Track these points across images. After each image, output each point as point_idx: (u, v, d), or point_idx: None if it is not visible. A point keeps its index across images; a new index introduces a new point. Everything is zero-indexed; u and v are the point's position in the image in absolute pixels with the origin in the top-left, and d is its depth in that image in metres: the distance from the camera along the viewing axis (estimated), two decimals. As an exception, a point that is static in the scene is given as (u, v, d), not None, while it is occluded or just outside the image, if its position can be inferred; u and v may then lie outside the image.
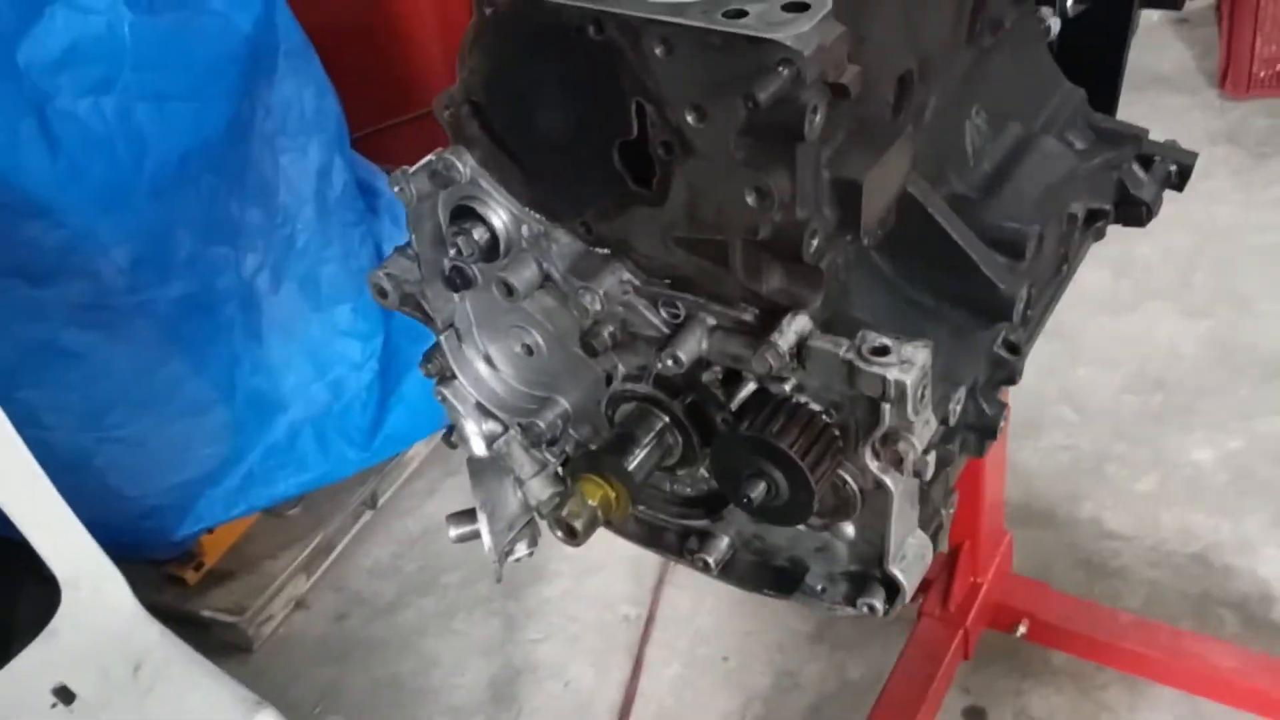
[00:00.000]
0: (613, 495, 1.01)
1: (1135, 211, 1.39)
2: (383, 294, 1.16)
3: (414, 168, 1.04)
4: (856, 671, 2.38)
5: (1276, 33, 3.59)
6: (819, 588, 1.05)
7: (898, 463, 0.89)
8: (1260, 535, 2.43)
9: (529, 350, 1.14)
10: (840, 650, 2.42)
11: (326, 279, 2.80)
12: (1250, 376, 2.80)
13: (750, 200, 0.89)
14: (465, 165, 1.03)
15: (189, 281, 2.39)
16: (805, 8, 0.82)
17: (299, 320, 2.76)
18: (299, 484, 2.72)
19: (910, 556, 0.98)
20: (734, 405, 0.95)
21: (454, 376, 1.18)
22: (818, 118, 0.84)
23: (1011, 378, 1.11)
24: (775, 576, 1.08)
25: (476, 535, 1.20)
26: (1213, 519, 2.49)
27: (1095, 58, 1.48)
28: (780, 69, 0.80)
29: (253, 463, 2.64)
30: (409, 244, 1.15)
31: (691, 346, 0.95)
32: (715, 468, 0.98)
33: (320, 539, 2.86)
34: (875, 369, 0.86)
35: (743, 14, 0.83)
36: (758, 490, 0.91)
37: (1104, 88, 1.48)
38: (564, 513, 0.99)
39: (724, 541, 1.10)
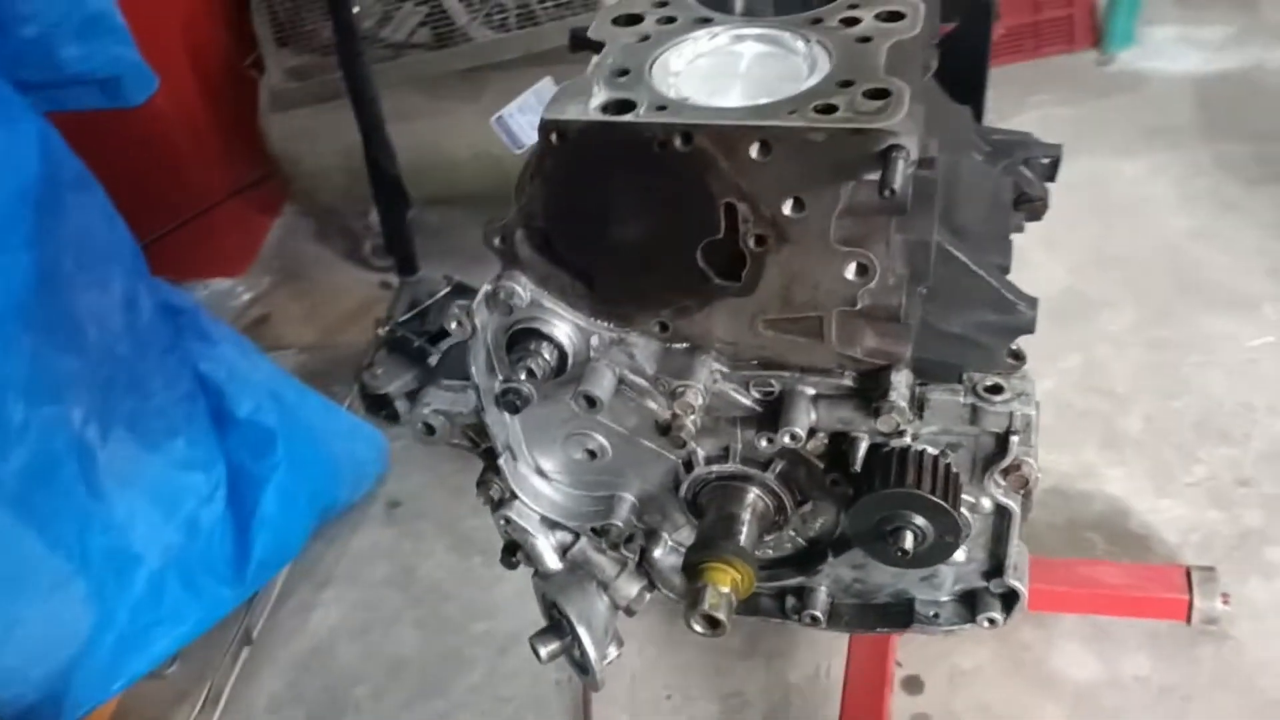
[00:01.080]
0: (739, 576, 1.03)
1: (1034, 208, 1.55)
2: (431, 432, 1.12)
3: (475, 301, 1.02)
4: (795, 675, 2.47)
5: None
6: (931, 614, 1.11)
7: (1023, 486, 0.98)
8: (1097, 459, 2.72)
9: (592, 454, 1.14)
10: (776, 659, 2.50)
11: (153, 414, 2.59)
12: (1041, 319, 3.12)
13: (850, 275, 0.94)
14: (526, 289, 1.02)
15: (26, 450, 2.15)
16: (887, 93, 0.88)
17: (135, 464, 2.54)
18: (177, 638, 2.50)
19: (1020, 566, 1.07)
20: (857, 467, 1.00)
21: (514, 497, 1.16)
22: (911, 191, 0.90)
23: (1016, 379, 1.23)
24: (882, 614, 1.14)
25: (567, 650, 1.19)
26: (1054, 454, 2.76)
27: (962, 74, 1.63)
28: (894, 154, 0.85)
29: (122, 627, 2.41)
30: (432, 375, 1.12)
31: (803, 420, 0.99)
32: (855, 530, 1.03)
33: (206, 690, 2.64)
34: (999, 408, 0.94)
35: (832, 108, 0.88)
36: (909, 541, 0.96)
37: (973, 99, 1.64)
38: (705, 608, 1.00)
39: (823, 593, 1.14)
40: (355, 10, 2.82)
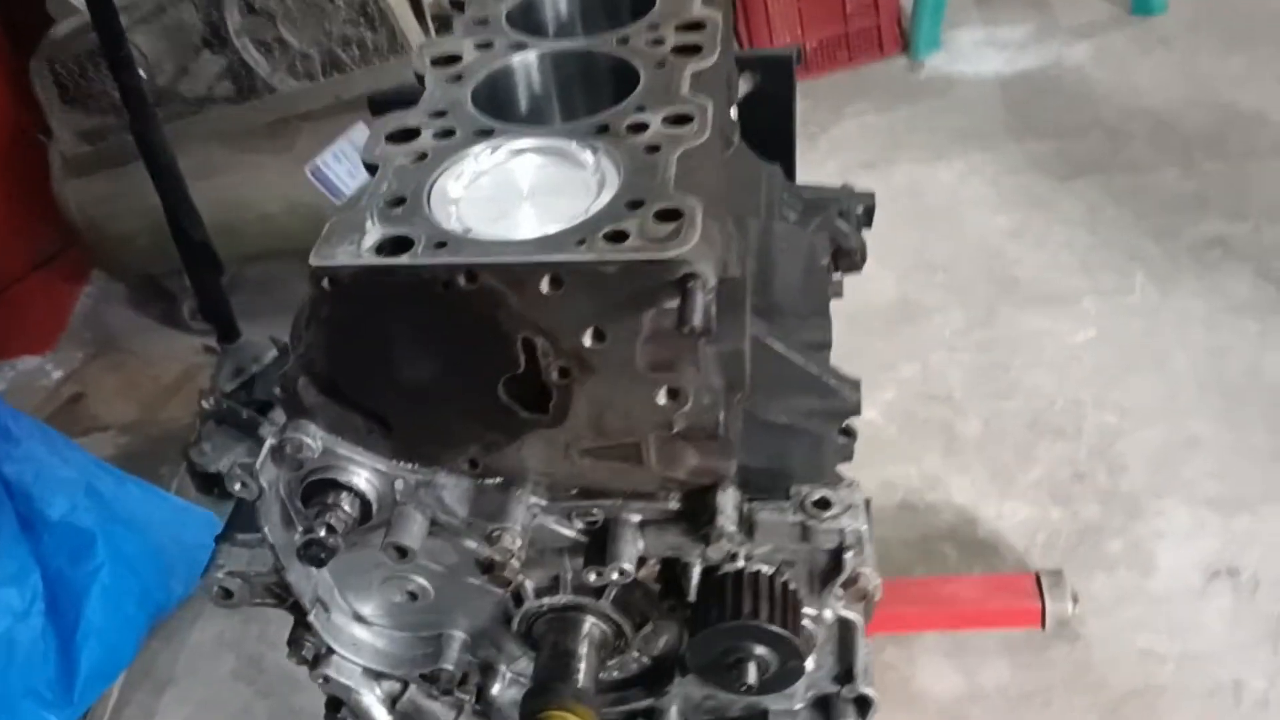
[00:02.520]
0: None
1: (852, 260, 1.54)
2: (229, 596, 1.02)
3: (258, 459, 0.92)
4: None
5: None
6: (785, 724, 1.08)
7: (863, 597, 0.94)
8: (941, 467, 2.77)
9: (413, 596, 1.06)
10: None
11: (-50, 530, 2.38)
12: (876, 330, 3.16)
13: (662, 400, 0.88)
14: (316, 439, 0.93)
15: None
16: (679, 214, 0.83)
17: (-64, 588, 2.32)
18: (-1, 775, 2.30)
19: (869, 669, 1.04)
20: (691, 595, 0.94)
21: (330, 652, 1.06)
22: (713, 310, 0.85)
23: (850, 455, 1.20)
24: (736, 727, 1.09)
25: (407, 805, 1.10)
26: (900, 466, 2.80)
27: (769, 130, 1.60)
28: (690, 284, 0.80)
29: (-62, 773, 2.20)
30: (227, 533, 1.02)
31: (630, 551, 0.94)
32: (695, 664, 0.97)
33: (41, 822, 2.43)
34: (829, 524, 0.90)
35: (623, 235, 0.82)
36: (752, 674, 0.91)
37: (782, 155, 1.62)
38: (547, 761, 0.94)
39: (674, 713, 1.09)
40: (142, 74, 2.64)
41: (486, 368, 0.88)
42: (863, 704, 1.04)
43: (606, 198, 0.86)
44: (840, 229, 1.53)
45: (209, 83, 3.11)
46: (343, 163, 3.32)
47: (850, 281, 1.62)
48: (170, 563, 2.68)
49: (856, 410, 1.11)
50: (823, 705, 1.07)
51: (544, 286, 0.82)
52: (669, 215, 0.83)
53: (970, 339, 3.04)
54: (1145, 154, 3.43)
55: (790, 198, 1.52)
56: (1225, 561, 2.41)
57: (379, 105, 1.92)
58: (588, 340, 0.85)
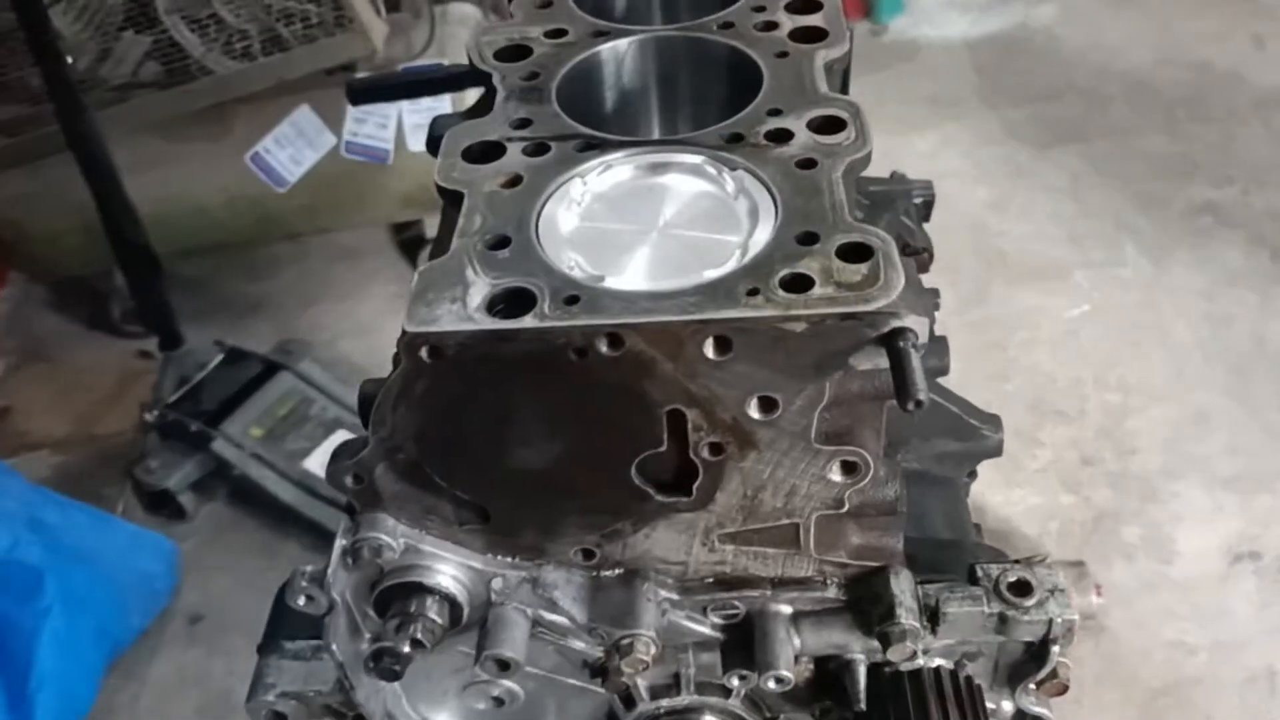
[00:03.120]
0: None
1: (921, 260, 1.38)
2: (282, 719, 0.83)
3: (329, 566, 0.74)
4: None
5: None
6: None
7: (1061, 692, 0.80)
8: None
9: (499, 702, 0.88)
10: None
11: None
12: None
13: (835, 476, 0.72)
14: (397, 537, 0.74)
15: None
16: (870, 251, 0.67)
17: None
18: None
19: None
20: (860, 701, 0.79)
21: (402, 770, 0.89)
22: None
23: (967, 495, 1.06)
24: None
25: None
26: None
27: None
28: (902, 343, 0.64)
29: None
30: (272, 642, 0.83)
31: (785, 652, 0.77)
32: (868, 780, 0.82)
33: None
34: (1034, 615, 0.75)
35: (806, 282, 0.65)
36: (938, 787, 0.77)
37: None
38: None
39: (804, 811, 0.94)
40: (69, 60, 2.37)
41: (620, 447, 0.71)
42: (1037, 799, 0.90)
43: (765, 230, 0.68)
44: (907, 225, 1.38)
45: (134, 65, 2.83)
46: (286, 148, 3.09)
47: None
48: (125, 595, 2.46)
49: (998, 452, 0.96)
50: (984, 800, 0.93)
51: (708, 350, 0.65)
52: (858, 253, 0.66)
53: (963, 319, 2.93)
54: (1125, 117, 3.34)
55: (857, 194, 1.35)
56: (1247, 544, 2.34)
57: (359, 93, 1.72)
58: (753, 411, 0.68)
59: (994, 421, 0.96)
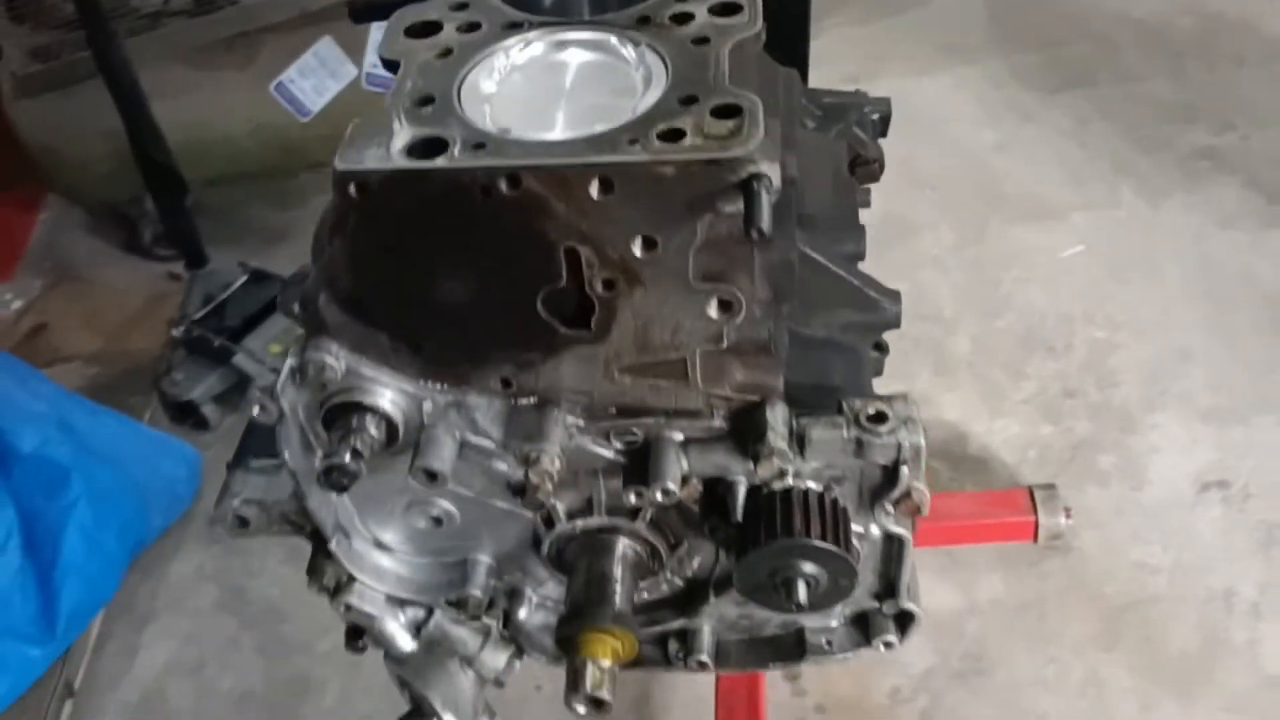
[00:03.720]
0: (619, 644, 0.93)
1: (870, 171, 1.48)
2: (245, 525, 0.96)
3: (279, 381, 0.86)
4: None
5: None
6: (824, 642, 1.04)
7: (915, 512, 0.90)
8: (932, 385, 2.74)
9: (438, 521, 1.01)
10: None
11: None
12: (877, 246, 3.12)
13: (713, 312, 0.83)
14: (339, 359, 0.87)
15: None
16: (738, 110, 0.77)
17: (-94, 528, 2.24)
18: (-15, 711, 2.25)
19: (913, 586, 1.01)
20: (737, 516, 0.90)
21: (352, 580, 1.01)
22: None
23: (880, 371, 1.16)
24: (773, 647, 1.06)
25: (436, 737, 1.06)
26: (891, 386, 2.76)
27: (784, 32, 1.53)
28: (756, 185, 0.74)
29: (-81, 716, 2.14)
30: (241, 459, 0.96)
31: (674, 471, 0.89)
32: (742, 585, 0.93)
33: (29, 759, 2.39)
34: (886, 439, 0.86)
35: (679, 134, 0.76)
36: (803, 593, 0.88)
37: (797, 59, 1.55)
38: (587, 688, 0.90)
39: (707, 633, 1.06)
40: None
41: (525, 281, 0.82)
42: (905, 619, 1.01)
43: (655, 94, 0.79)
44: (859, 137, 1.47)
45: (163, -6, 2.96)
46: (309, 78, 3.20)
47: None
48: (148, 495, 2.62)
49: (896, 323, 1.06)
50: (860, 621, 1.04)
51: (593, 191, 0.76)
52: (728, 111, 0.77)
53: (960, 256, 3.00)
54: (1134, 64, 3.38)
55: (808, 104, 1.45)
56: (1218, 473, 2.42)
57: (360, 13, 1.83)
58: (637, 249, 0.79)
59: (893, 296, 1.06)
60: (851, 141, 1.45)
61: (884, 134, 1.56)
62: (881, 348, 1.11)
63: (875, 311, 1.01)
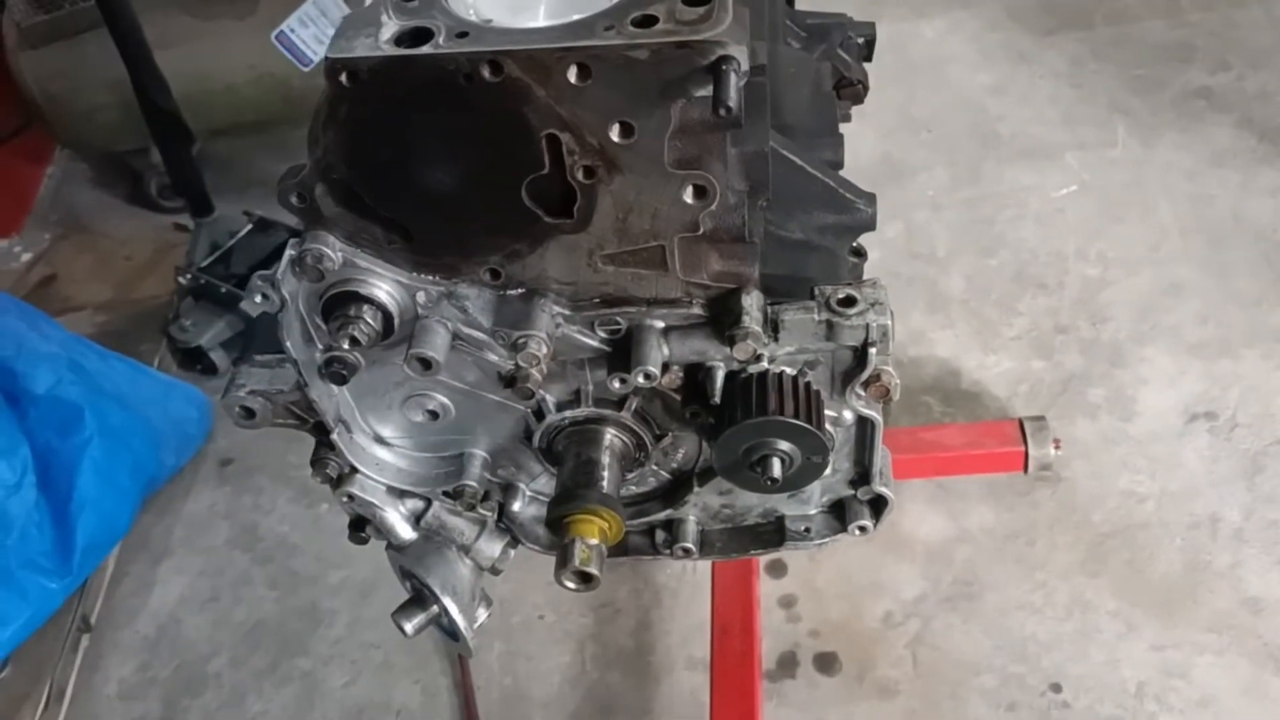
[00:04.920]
0: (606, 525, 0.98)
1: (855, 91, 1.51)
2: (251, 415, 1.02)
3: (279, 269, 0.91)
4: (663, 576, 2.49)
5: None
6: (802, 529, 1.10)
7: (884, 395, 0.95)
8: (924, 323, 2.79)
9: (434, 415, 1.06)
10: (641, 564, 2.51)
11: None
12: (872, 187, 3.15)
13: (689, 198, 0.87)
14: (336, 250, 0.91)
15: None
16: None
17: (-76, 463, 2.31)
18: (3, 642, 2.32)
19: (885, 471, 1.05)
20: (716, 398, 0.95)
21: (354, 471, 1.07)
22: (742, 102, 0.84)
23: (860, 277, 1.20)
24: (754, 535, 1.11)
25: (433, 621, 1.12)
26: (886, 324, 2.81)
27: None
28: (725, 67, 0.78)
29: (-59, 643, 2.21)
30: (247, 353, 1.01)
31: (655, 356, 0.94)
32: (721, 464, 0.98)
33: (48, 688, 2.47)
34: (854, 321, 0.90)
35: (652, 20, 0.80)
36: (777, 469, 0.93)
37: (783, -15, 1.58)
38: (576, 564, 0.95)
39: (692, 523, 1.11)
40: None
41: (510, 169, 0.86)
42: (878, 504, 1.06)
43: (629, -14, 0.83)
44: (843, 58, 1.50)
45: (165, -58, 2.98)
46: (309, 27, 3.22)
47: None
48: (159, 436, 2.68)
49: (871, 225, 1.10)
50: (838, 509, 1.09)
51: (571, 76, 0.80)
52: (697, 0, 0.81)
53: (954, 197, 3.04)
54: (1130, 5, 3.39)
55: (793, 24, 1.48)
56: (1205, 404, 2.47)
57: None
58: (615, 135, 0.84)
59: (868, 198, 1.10)
60: (835, 63, 1.48)
61: (869, 58, 1.59)
62: (859, 252, 1.15)
63: (850, 213, 1.06)
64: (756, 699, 2.01)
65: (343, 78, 0.81)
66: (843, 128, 1.41)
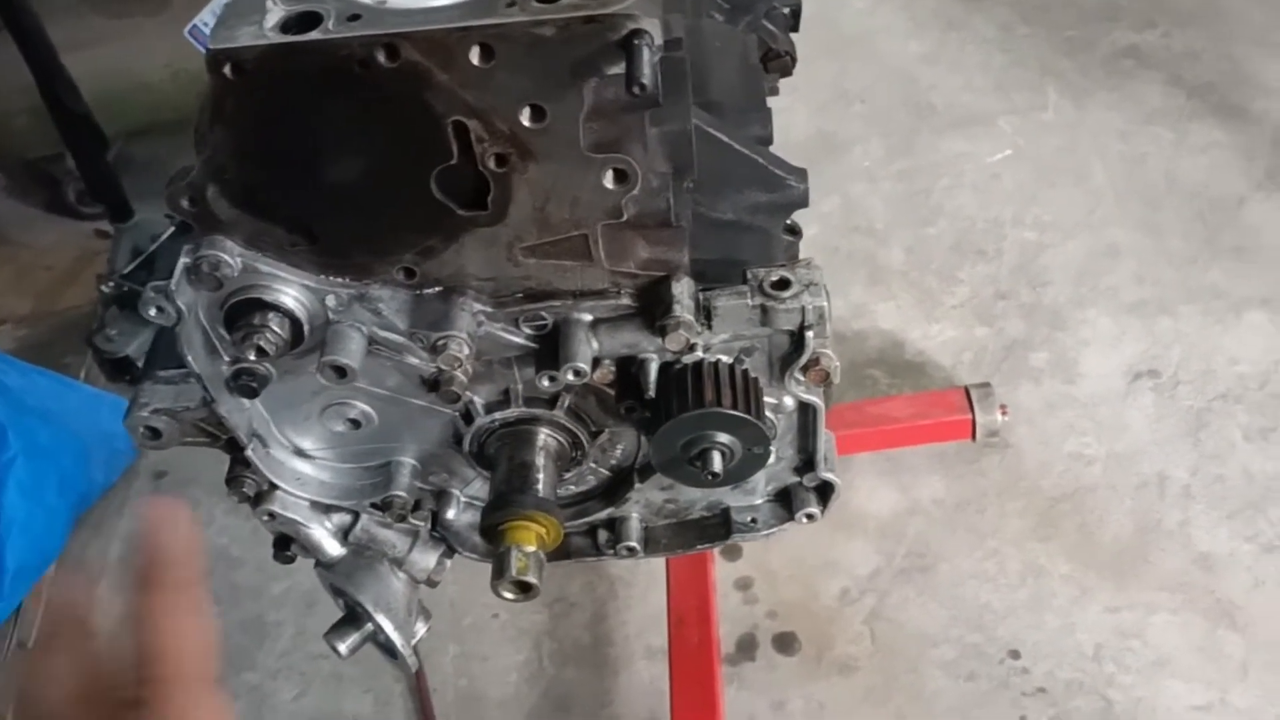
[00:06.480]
0: (544, 530, 0.94)
1: (783, 63, 1.47)
2: (156, 436, 0.95)
3: (173, 280, 0.85)
4: (616, 568, 2.45)
5: None
6: (749, 520, 1.06)
7: (824, 379, 0.91)
8: (865, 296, 2.77)
9: (355, 424, 1.00)
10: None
11: None
12: (807, 162, 3.12)
13: (609, 183, 0.83)
14: (235, 256, 0.85)
15: None
16: (616, -31, 0.76)
17: None
18: (-66, 674, 2.22)
19: (830, 456, 1.02)
20: (650, 392, 0.90)
21: (274, 488, 1.01)
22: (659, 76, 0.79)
23: (796, 255, 1.17)
24: (700, 529, 1.07)
25: (369, 639, 1.07)
26: (828, 298, 2.79)
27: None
28: (637, 42, 0.74)
29: None
30: (150, 369, 0.95)
31: (584, 352, 0.89)
32: (659, 460, 0.94)
33: (-16, 720, 2.37)
34: (789, 304, 0.86)
35: (556, -6, 0.75)
36: (717, 463, 0.89)
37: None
38: (513, 573, 0.91)
39: (635, 520, 1.07)
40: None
41: (416, 160, 0.81)
42: (825, 490, 1.03)
43: (534, -39, 0.78)
44: (768, 29, 1.46)
45: (66, -61, 2.86)
46: (224, 21, 3.11)
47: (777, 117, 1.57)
48: (88, 451, 2.58)
49: (804, 201, 1.06)
50: (784, 497, 1.06)
51: (474, 58, 0.75)
52: (604, -28, 0.76)
53: (890, 168, 3.02)
54: (1055, -33, 3.38)
55: (714, -2, 1.44)
56: (1147, 363, 2.48)
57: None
58: (526, 120, 0.79)
59: (799, 173, 1.06)
60: (761, 35, 1.44)
61: (795, 28, 1.55)
62: (794, 230, 1.11)
63: (782, 190, 1.01)
64: (716, 686, 1.99)
65: (226, 70, 0.75)
66: (773, 102, 1.37)
